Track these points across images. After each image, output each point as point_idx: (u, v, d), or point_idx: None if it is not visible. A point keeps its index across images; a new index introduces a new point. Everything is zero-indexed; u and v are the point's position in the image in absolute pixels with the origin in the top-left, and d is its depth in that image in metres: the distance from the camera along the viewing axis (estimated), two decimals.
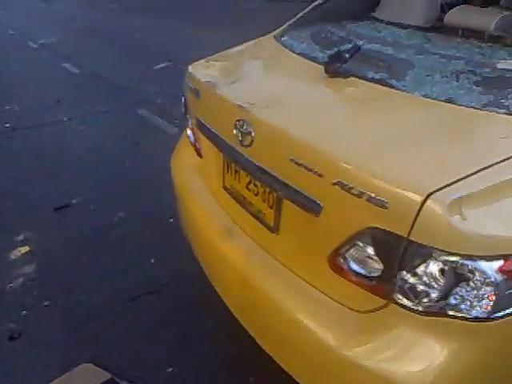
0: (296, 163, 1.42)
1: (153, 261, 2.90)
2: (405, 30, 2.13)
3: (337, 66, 1.69)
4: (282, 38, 2.21)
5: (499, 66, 1.63)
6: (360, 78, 1.69)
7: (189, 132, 2.20)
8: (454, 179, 1.17)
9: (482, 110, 1.41)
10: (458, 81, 1.56)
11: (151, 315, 2.49)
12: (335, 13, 2.38)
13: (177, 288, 2.66)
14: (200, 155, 2.10)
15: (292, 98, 1.67)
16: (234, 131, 1.67)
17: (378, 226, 1.25)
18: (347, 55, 1.71)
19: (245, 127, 1.61)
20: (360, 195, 1.25)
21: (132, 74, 6.68)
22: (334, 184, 1.31)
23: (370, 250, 1.30)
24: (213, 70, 2.08)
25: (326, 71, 1.72)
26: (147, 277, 2.76)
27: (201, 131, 1.98)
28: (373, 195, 1.22)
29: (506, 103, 1.40)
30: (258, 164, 1.60)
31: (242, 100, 1.68)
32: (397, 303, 1.28)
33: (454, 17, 2.07)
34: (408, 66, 1.71)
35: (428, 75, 1.63)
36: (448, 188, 1.16)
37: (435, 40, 1.99)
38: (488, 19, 1.92)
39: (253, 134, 1.59)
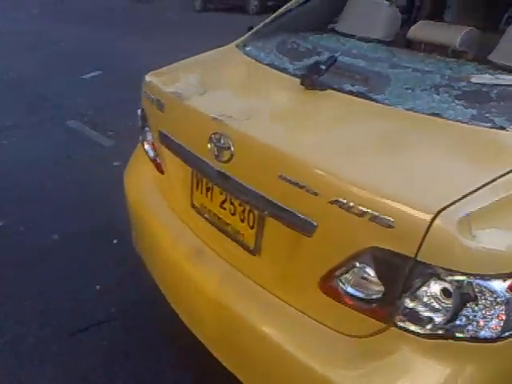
0: (286, 180, 1.32)
1: (98, 287, 2.67)
2: (367, 43, 2.12)
3: (314, 78, 1.63)
4: (246, 48, 2.13)
5: (473, 80, 1.64)
6: (338, 90, 1.63)
7: (147, 147, 2.05)
8: (461, 195, 1.13)
9: (469, 124, 1.40)
10: (438, 94, 1.55)
11: (97, 351, 2.26)
12: (294, 24, 2.33)
13: (127, 318, 2.46)
14: (161, 171, 1.96)
15: (271, 110, 1.59)
16: (209, 146, 1.55)
17: (380, 246, 1.18)
18: (323, 67, 1.65)
19: (222, 141, 1.50)
20: (361, 214, 1.18)
21: (59, 84, 6.31)
22: (332, 203, 1.23)
23: (371, 272, 1.23)
24: (175, 80, 1.95)
25: (303, 83, 1.65)
26: (92, 306, 2.53)
27: (165, 146, 1.84)
28: (376, 214, 1.15)
29: (491, 117, 1.40)
30: (237, 181, 1.49)
31: (217, 112, 1.57)
32: (399, 326, 1.22)
33: (418, 31, 2.08)
34: (384, 80, 1.68)
35: (407, 88, 1.61)
36: (456, 205, 1.12)
37: (400, 54, 1.99)
38: (453, 35, 1.94)
39: (232, 149, 1.48)
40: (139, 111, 2.11)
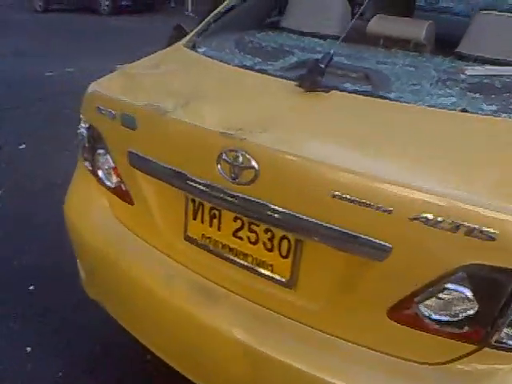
0: (344, 199, 1.13)
1: (29, 350, 2.20)
2: (323, 40, 2.00)
3: (317, 80, 1.44)
4: (200, 49, 1.86)
5: (469, 72, 1.59)
6: (341, 90, 1.47)
7: (101, 173, 1.69)
8: None
9: (498, 116, 1.33)
10: (450, 89, 1.47)
11: None
12: (238, 22, 2.12)
13: None
14: (129, 201, 1.62)
15: (283, 119, 1.37)
16: (219, 166, 1.29)
17: (479, 262, 1.05)
18: (323, 66, 1.47)
19: (241, 160, 1.25)
20: (454, 229, 1.04)
21: None
22: (413, 219, 1.07)
23: (465, 292, 1.09)
24: (136, 89, 1.62)
25: (302, 85, 1.46)
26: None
27: (140, 170, 1.52)
28: (475, 227, 1.02)
29: None
30: (265, 204, 1.26)
31: (223, 126, 1.31)
32: (494, 346, 1.10)
33: (378, 26, 2.00)
34: (382, 76, 1.56)
35: (413, 84, 1.50)
36: None
37: (365, 50, 1.90)
38: (417, 29, 1.89)
39: (256, 167, 1.24)
40: (82, 129, 1.73)
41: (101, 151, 1.66)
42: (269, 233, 1.32)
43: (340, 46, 1.88)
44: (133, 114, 1.48)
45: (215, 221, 1.42)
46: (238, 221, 1.37)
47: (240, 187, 1.28)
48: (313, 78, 1.45)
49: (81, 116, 1.77)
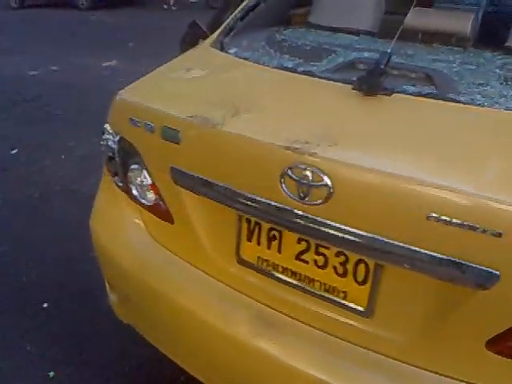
0: (442, 221, 1.00)
1: (51, 374, 2.05)
2: (356, 35, 1.86)
3: (377, 82, 1.31)
4: (231, 50, 1.71)
5: None
6: (404, 93, 1.34)
7: (135, 190, 1.54)
8: None
9: None
10: None
11: None
12: (263, 19, 1.98)
13: None
14: (170, 220, 1.47)
15: (351, 129, 1.23)
16: (283, 184, 1.15)
17: None
18: (381, 67, 1.33)
19: (311, 177, 1.12)
20: None
21: None
22: None
23: None
24: (176, 99, 1.45)
25: (361, 88, 1.32)
26: None
27: (185, 187, 1.37)
28: None
29: None
30: (341, 226, 1.12)
31: (286, 139, 1.17)
32: None
33: (418, 20, 1.86)
34: (443, 76, 1.42)
35: (480, 84, 1.38)
36: None
37: (410, 47, 1.77)
38: (462, 22, 1.76)
39: (330, 185, 1.10)
40: (110, 142, 1.58)
41: (135, 166, 1.51)
42: (341, 256, 1.19)
43: (380, 43, 1.77)
44: (176, 127, 1.33)
45: (274, 242, 1.28)
46: (303, 243, 1.23)
47: (309, 207, 1.14)
48: (373, 80, 1.32)
49: (106, 126, 1.61)
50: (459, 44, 1.77)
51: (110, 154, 1.60)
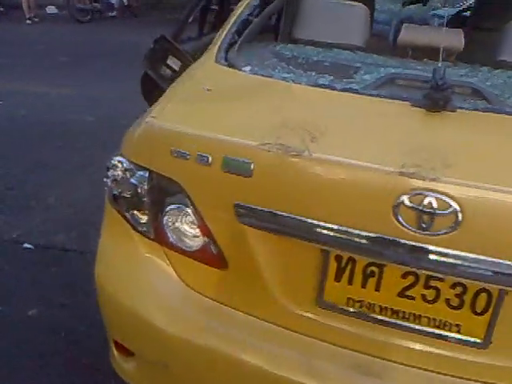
0: None
1: None
2: (350, 51, 1.83)
3: (445, 98, 1.25)
4: (245, 68, 1.54)
5: None
6: (465, 109, 1.30)
7: (172, 237, 1.30)
8: None
9: None
10: None
11: None
12: (254, 34, 1.85)
13: None
14: (221, 265, 1.26)
15: (444, 148, 1.13)
16: (397, 214, 1.04)
17: None
18: (443, 83, 1.28)
19: (435, 205, 1.02)
20: None
21: None
22: None
23: None
24: (223, 125, 1.25)
25: (426, 106, 1.25)
26: None
27: (255, 226, 1.18)
28: None
29: None
30: (468, 255, 1.04)
31: (392, 163, 1.06)
32: None
33: (410, 36, 1.88)
34: (488, 90, 1.42)
35: None
36: None
37: (407, 62, 1.78)
38: (456, 38, 1.81)
39: (458, 212, 1.01)
40: (132, 180, 1.32)
41: (173, 207, 1.27)
42: (457, 288, 1.10)
43: (394, 60, 1.75)
44: (245, 157, 1.14)
45: (372, 279, 1.15)
46: (410, 277, 1.12)
47: (430, 237, 1.04)
48: (440, 96, 1.26)
49: (118, 160, 1.36)
50: (446, 59, 1.82)
51: (128, 193, 1.35)
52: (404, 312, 1.14)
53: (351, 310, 1.18)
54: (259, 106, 1.33)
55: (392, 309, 1.15)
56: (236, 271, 1.26)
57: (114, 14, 12.16)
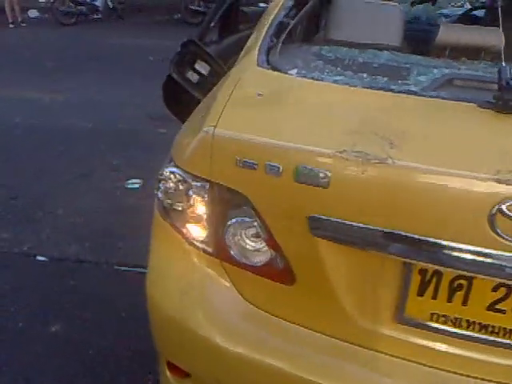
0: None
1: None
2: (389, 51, 1.77)
3: None
4: (292, 71, 1.46)
5: None
6: None
7: (234, 251, 1.22)
8: None
9: None
10: None
11: None
12: (293, 36, 1.79)
13: None
14: (288, 281, 1.19)
15: None
16: (493, 224, 0.98)
17: None
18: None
19: None
20: None
21: None
22: None
23: None
24: (291, 133, 1.17)
25: (497, 107, 1.20)
26: None
27: (330, 238, 1.11)
28: None
29: None
30: None
31: (485, 170, 1.00)
32: None
33: (450, 36, 1.84)
34: None
35: None
36: None
37: (455, 62, 1.73)
38: (496, 37, 1.77)
39: None
40: (190, 192, 1.24)
41: (237, 220, 1.19)
42: None
43: (441, 61, 1.69)
44: (321, 166, 1.07)
45: (459, 293, 1.08)
46: (502, 289, 1.05)
47: None
48: (511, 98, 1.21)
49: (170, 171, 1.27)
50: (486, 58, 1.78)
51: (183, 205, 1.26)
52: (493, 326, 1.08)
53: (434, 325, 1.11)
54: (321, 111, 1.26)
55: (480, 323, 1.09)
56: (304, 286, 1.19)
57: (99, 16, 11.96)
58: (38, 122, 4.92)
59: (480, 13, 3.28)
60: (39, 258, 2.75)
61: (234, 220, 1.20)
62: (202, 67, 1.96)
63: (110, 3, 12.09)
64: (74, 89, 6.01)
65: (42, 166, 3.91)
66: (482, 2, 3.60)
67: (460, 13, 3.62)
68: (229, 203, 1.20)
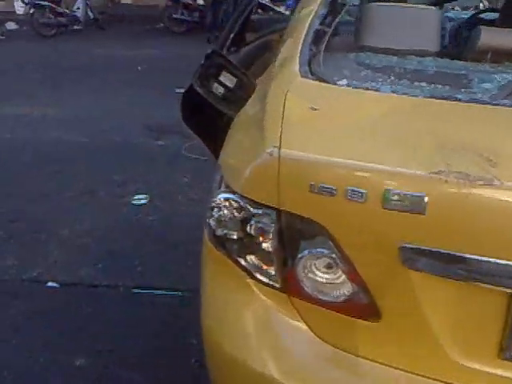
0: None
1: None
2: (426, 57, 1.68)
3: None
4: (341, 82, 1.35)
5: None
6: None
7: (308, 286, 1.10)
8: None
9: None
10: None
11: None
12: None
13: None
14: (373, 316, 1.07)
15: None
16: None
17: None
18: None
19: None
20: None
21: None
22: None
23: None
24: (373, 152, 1.05)
25: None
26: None
27: (427, 270, 0.99)
28: None
29: None
30: None
31: None
32: None
33: (493, 40, 1.74)
34: None
35: None
36: None
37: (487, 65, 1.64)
38: None
39: None
40: (253, 222, 1.11)
41: (312, 251, 1.07)
42: None
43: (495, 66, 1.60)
44: (417, 190, 0.95)
45: None
46: None
47: None
48: None
49: (226, 198, 1.15)
50: None
51: (241, 235, 1.14)
52: None
53: None
54: (392, 125, 1.15)
55: None
56: (392, 322, 1.07)
57: (80, 27, 11.72)
58: (29, 137, 4.72)
59: (488, 16, 3.21)
60: (50, 284, 2.59)
61: (307, 251, 1.08)
62: (227, 79, 1.84)
63: (90, 14, 11.84)
64: (64, 102, 5.81)
65: (40, 185, 3.73)
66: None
67: (466, 16, 3.55)
68: (301, 233, 1.08)
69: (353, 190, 0.99)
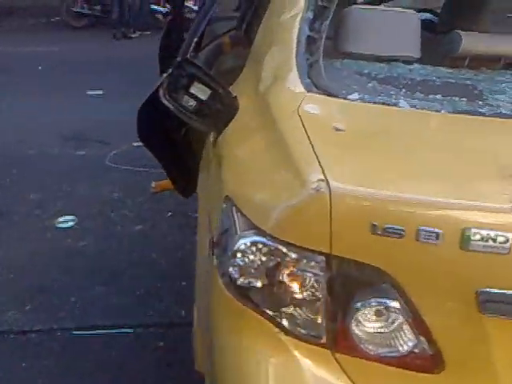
0: None
1: None
2: (410, 64, 1.61)
3: None
4: (352, 96, 1.22)
5: None
6: None
7: (363, 341, 0.93)
8: None
9: None
10: None
11: None
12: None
13: None
14: (437, 368, 0.94)
15: None
16: None
17: None
18: None
19: None
20: None
21: None
22: None
23: None
24: (430, 183, 0.91)
25: None
26: None
27: (501, 316, 0.88)
28: None
29: None
30: None
31: None
32: None
33: (473, 45, 1.71)
34: None
35: None
36: None
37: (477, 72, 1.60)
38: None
39: None
40: (299, 271, 0.94)
41: (370, 302, 0.91)
42: None
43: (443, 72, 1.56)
44: (502, 228, 0.83)
45: None
46: None
47: None
48: None
49: (257, 240, 0.96)
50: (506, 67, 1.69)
51: (271, 284, 0.96)
52: None
53: None
54: (443, 150, 1.02)
55: None
56: (457, 373, 0.94)
57: None
58: None
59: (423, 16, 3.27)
60: None
61: (364, 302, 0.92)
62: (199, 91, 1.61)
63: None
64: None
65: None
66: None
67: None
68: (358, 281, 0.91)
69: (426, 231, 0.85)
